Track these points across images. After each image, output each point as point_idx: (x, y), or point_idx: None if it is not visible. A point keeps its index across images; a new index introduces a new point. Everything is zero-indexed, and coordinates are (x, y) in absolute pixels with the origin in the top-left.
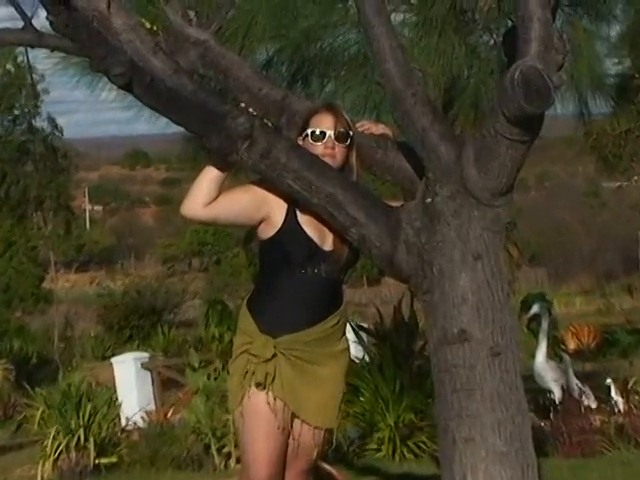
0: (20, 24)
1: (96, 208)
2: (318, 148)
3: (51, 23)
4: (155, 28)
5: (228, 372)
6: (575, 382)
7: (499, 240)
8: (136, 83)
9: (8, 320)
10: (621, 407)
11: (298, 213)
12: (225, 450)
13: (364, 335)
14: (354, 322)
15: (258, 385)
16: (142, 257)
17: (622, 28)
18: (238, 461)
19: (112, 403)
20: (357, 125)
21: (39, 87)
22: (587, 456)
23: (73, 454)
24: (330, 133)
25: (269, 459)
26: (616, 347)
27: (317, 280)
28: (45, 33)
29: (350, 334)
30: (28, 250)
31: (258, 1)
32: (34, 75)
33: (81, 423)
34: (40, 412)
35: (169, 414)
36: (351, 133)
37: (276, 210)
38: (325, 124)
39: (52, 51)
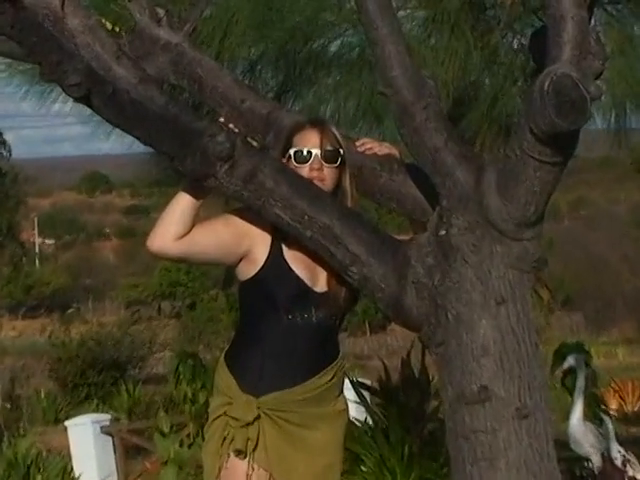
0: None
1: (47, 242)
2: (303, 170)
3: None
4: (118, 29)
5: (203, 438)
6: (617, 449)
7: (527, 280)
8: (95, 94)
9: None
10: None
11: (284, 248)
12: None
13: (366, 393)
14: (354, 378)
15: (238, 453)
16: (102, 300)
17: None
18: None
19: (67, 474)
20: (357, 144)
21: None
22: None
23: None
24: (317, 152)
25: None
26: None
27: (308, 328)
28: None
29: (349, 392)
30: None
31: None
32: None
33: None
34: None
35: None
36: (342, 152)
37: (259, 245)
38: (310, 142)
39: None
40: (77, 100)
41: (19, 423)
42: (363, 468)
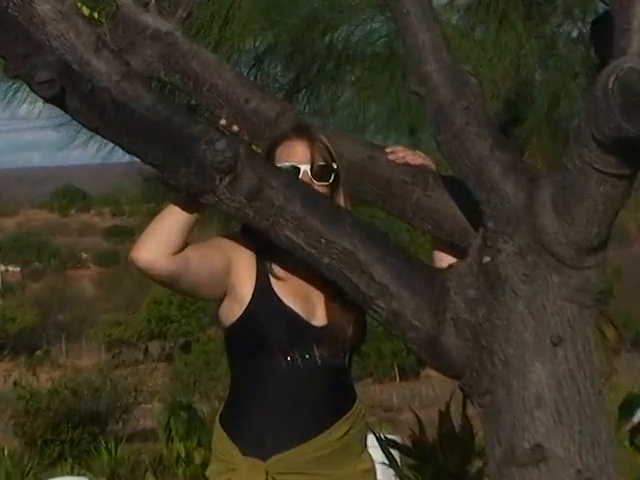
0: None
1: (12, 269)
2: None
3: None
4: (97, 15)
5: None
6: None
7: (588, 316)
8: (70, 94)
9: None
10: None
11: (272, 279)
12: None
13: (396, 453)
14: (381, 434)
15: None
16: (78, 340)
17: None
18: None
19: None
20: (387, 150)
21: None
22: None
23: None
24: (305, 168)
25: None
26: None
27: (312, 371)
28: None
29: (376, 451)
30: None
31: None
32: None
33: None
34: None
35: None
36: (335, 166)
37: (243, 278)
38: (297, 156)
39: None
40: (48, 101)
41: None
42: None
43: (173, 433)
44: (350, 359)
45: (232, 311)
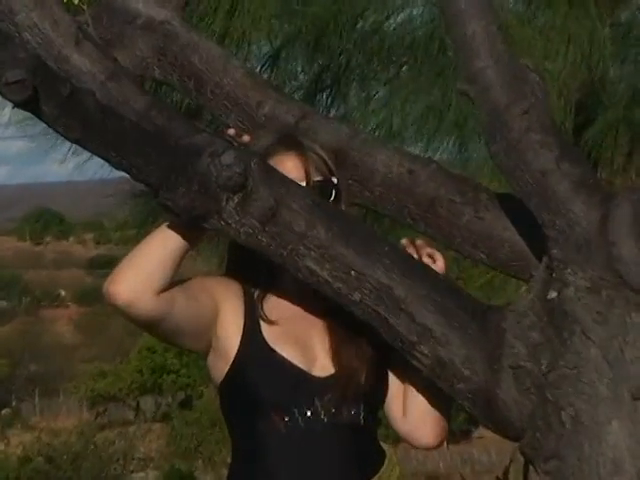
0: None
1: None
2: None
3: None
4: (78, 1)
5: None
6: None
7: None
8: (45, 97)
9: None
10: None
11: (262, 324)
12: None
13: None
14: None
15: None
16: (54, 396)
17: None
18: None
19: None
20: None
21: None
22: None
23: None
24: None
25: None
26: None
27: (316, 431)
28: None
29: None
30: None
31: None
32: None
33: None
34: None
35: None
36: (335, 180)
37: (229, 327)
38: (291, 173)
39: None
40: (19, 105)
41: None
42: None
43: None
44: (371, 415)
45: (219, 367)
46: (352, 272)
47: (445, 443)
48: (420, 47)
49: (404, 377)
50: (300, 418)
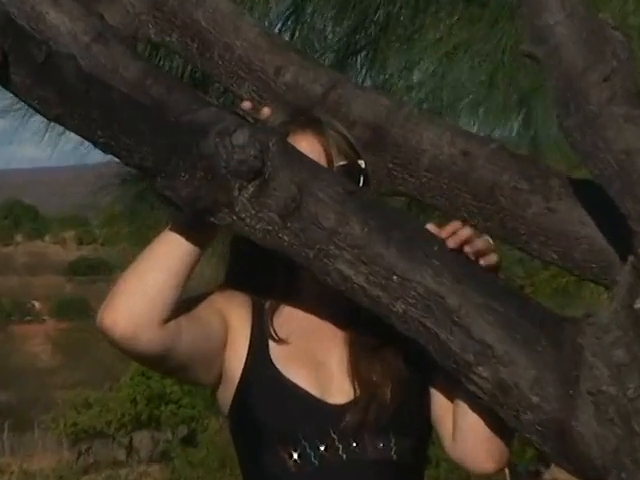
0: None
1: None
2: None
3: None
4: None
5: None
6: None
7: None
8: (16, 63)
9: None
10: None
11: (271, 343)
12: None
13: None
14: None
15: None
16: (29, 431)
17: None
18: None
19: None
20: (444, 232)
21: None
22: None
23: None
24: None
25: None
26: None
27: (334, 470)
28: None
29: None
30: None
31: None
32: None
33: None
34: None
35: None
36: (362, 164)
37: (236, 347)
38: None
39: None
40: None
41: None
42: None
43: None
44: (409, 448)
45: (226, 395)
46: (394, 277)
47: None
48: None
49: (451, 393)
50: (312, 454)
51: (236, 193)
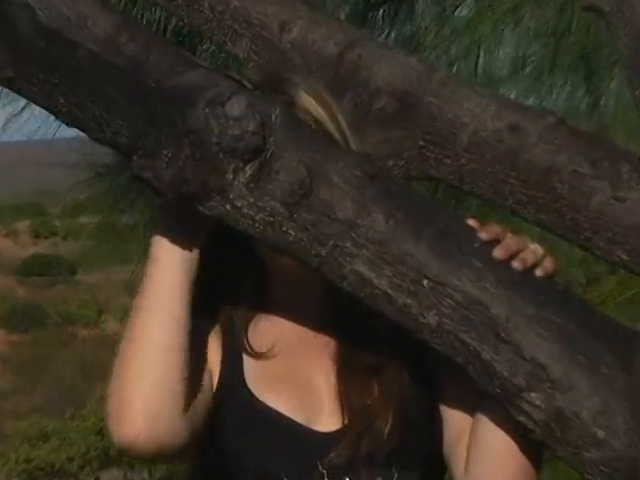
0: None
1: None
2: None
3: None
4: None
5: None
6: None
7: None
8: None
9: None
10: None
11: (246, 359)
12: None
13: None
14: None
15: None
16: None
17: None
18: None
19: None
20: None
21: None
22: None
23: None
24: None
25: None
26: None
27: None
28: None
29: None
30: None
31: None
32: None
33: None
34: None
35: None
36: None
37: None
38: None
39: None
40: None
41: None
42: None
43: None
44: None
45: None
46: (425, 280)
47: None
48: None
49: (469, 414)
50: None
51: (230, 176)
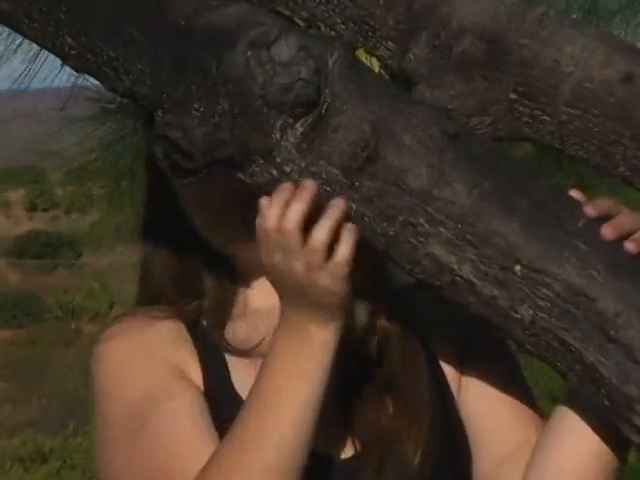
0: None
1: None
2: None
3: None
4: None
5: None
6: None
7: None
8: None
9: None
10: None
11: (231, 361)
12: None
13: None
14: None
15: None
16: None
17: None
18: None
19: None
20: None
21: None
22: None
23: None
24: None
25: None
26: None
27: None
28: None
29: None
30: None
31: None
32: None
33: None
34: None
35: None
36: None
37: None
38: None
39: None
40: None
41: None
42: None
43: None
44: None
45: None
46: (517, 267)
47: None
48: None
49: (514, 423)
50: None
51: (278, 135)
